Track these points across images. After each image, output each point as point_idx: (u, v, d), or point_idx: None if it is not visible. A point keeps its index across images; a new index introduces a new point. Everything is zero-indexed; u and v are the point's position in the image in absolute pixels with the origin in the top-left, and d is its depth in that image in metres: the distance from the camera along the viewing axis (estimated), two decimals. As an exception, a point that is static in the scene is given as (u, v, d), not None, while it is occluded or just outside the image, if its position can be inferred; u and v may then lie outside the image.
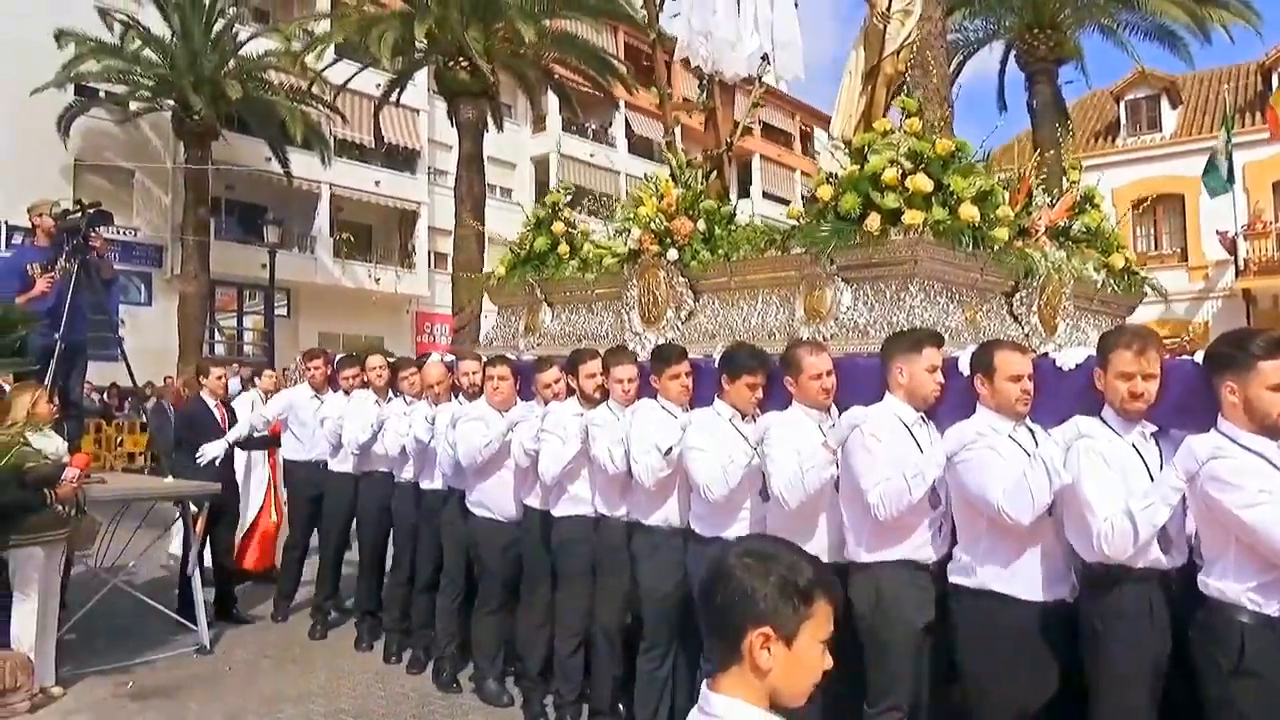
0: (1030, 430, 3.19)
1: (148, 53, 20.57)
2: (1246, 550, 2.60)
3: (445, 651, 5.42)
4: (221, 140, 21.73)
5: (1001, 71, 20.77)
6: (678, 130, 6.73)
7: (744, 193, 35.51)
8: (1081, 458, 2.86)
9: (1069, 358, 3.21)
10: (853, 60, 5.99)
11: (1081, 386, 3.09)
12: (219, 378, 7.02)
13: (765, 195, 35.94)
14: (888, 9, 5.68)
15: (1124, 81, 25.01)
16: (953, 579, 3.20)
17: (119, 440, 16.35)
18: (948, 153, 4.28)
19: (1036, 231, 4.97)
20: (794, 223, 4.72)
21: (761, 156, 37.76)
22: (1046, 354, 3.44)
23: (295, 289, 25.68)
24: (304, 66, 19.62)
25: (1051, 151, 7.18)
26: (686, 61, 6.44)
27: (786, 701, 1.47)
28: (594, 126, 33.47)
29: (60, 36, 19.53)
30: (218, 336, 25.16)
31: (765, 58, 6.36)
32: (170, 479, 6.62)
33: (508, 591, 5.15)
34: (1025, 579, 3.04)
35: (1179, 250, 24.02)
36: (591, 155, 33.21)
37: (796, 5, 6.57)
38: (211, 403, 6.92)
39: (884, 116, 5.34)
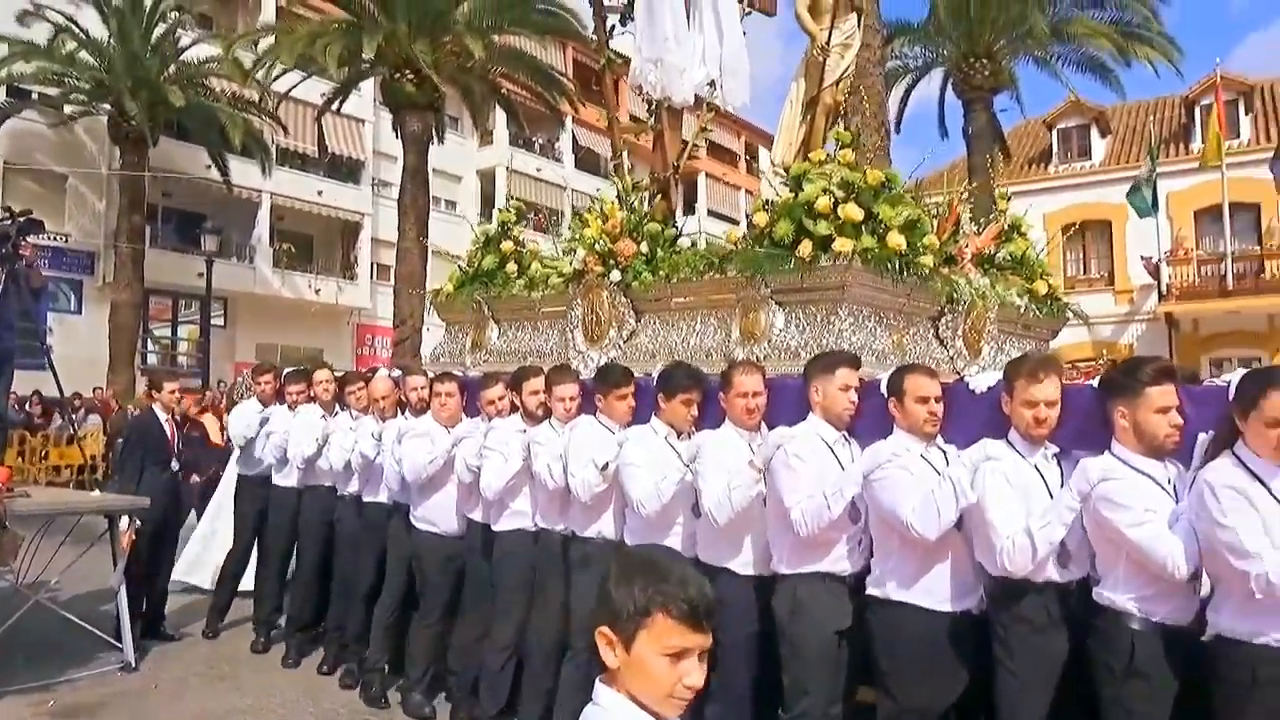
0: (943, 451, 3.38)
1: (84, 55, 20.15)
2: (1135, 565, 2.80)
3: (376, 665, 5.45)
4: (159, 146, 21.34)
5: (941, 99, 21.44)
6: (625, 151, 6.86)
7: (689, 210, 35.82)
8: (987, 479, 3.05)
9: (980, 382, 3.40)
10: (794, 90, 6.20)
11: (993, 409, 3.28)
12: (172, 391, 6.91)
13: (710, 213, 36.29)
14: (827, 43, 5.89)
15: (1056, 110, 25.92)
16: (868, 591, 3.37)
17: (44, 452, 15.88)
18: (878, 183, 4.48)
19: (963, 258, 5.19)
20: (732, 246, 4.88)
21: (707, 175, 38.17)
22: (962, 378, 3.62)
23: (233, 299, 25.27)
24: (246, 75, 19.38)
25: (976, 183, 7.46)
26: (638, 85, 6.57)
27: (651, 707, 1.52)
28: (541, 141, 33.54)
29: (-7, 35, 19.07)
30: (151, 346, 24.61)
31: (713, 83, 6.53)
32: (96, 493, 6.49)
33: (447, 606, 5.19)
34: (933, 591, 3.22)
35: (1106, 274, 24.89)
36: (539, 170, 33.23)
37: (745, 33, 6.77)
38: (163, 417, 6.81)
39: (823, 145, 5.53)
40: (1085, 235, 25.01)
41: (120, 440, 8.19)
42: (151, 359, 24.25)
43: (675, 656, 1.50)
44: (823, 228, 4.28)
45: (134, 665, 5.92)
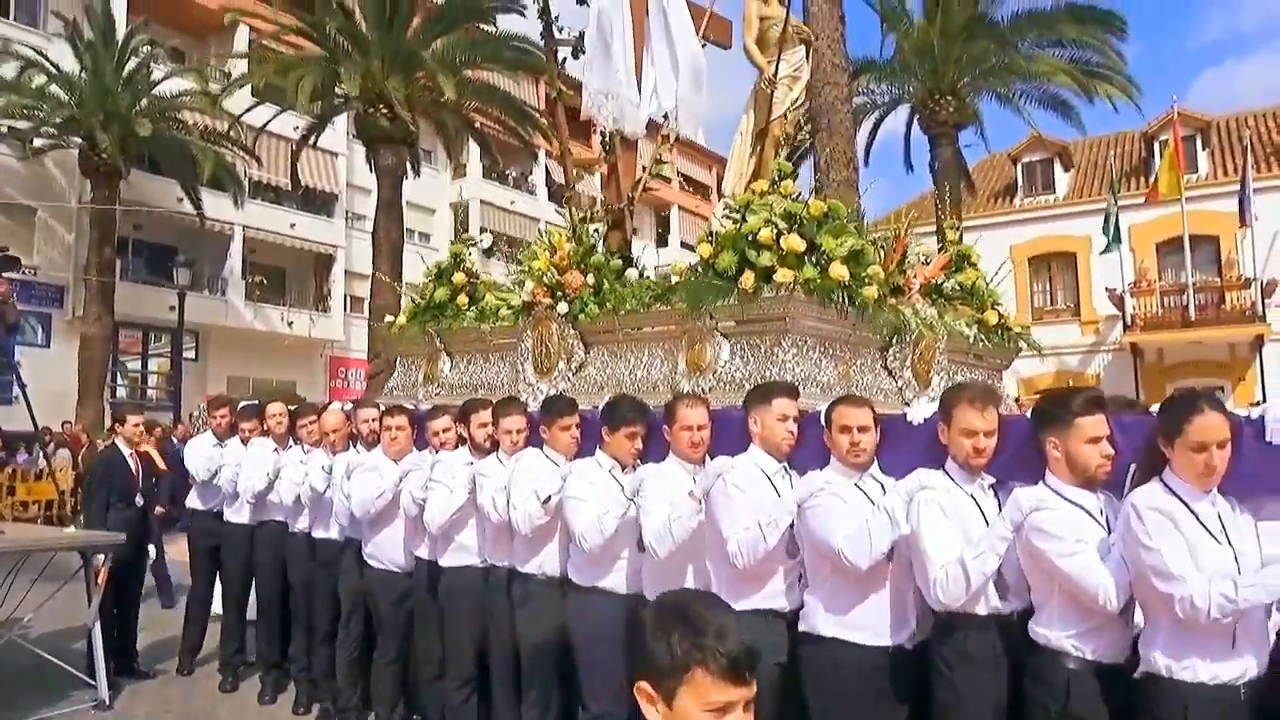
0: (879, 481, 3.35)
1: (54, 89, 20.10)
2: (1069, 598, 2.78)
3: (349, 703, 5.39)
4: (130, 179, 21.27)
5: (907, 134, 21.76)
6: (596, 178, 6.91)
7: (663, 242, 36.10)
8: (921, 509, 3.03)
9: (917, 412, 3.39)
10: (744, 122, 6.28)
11: (930, 439, 3.27)
12: (135, 425, 6.86)
13: (683, 245, 36.53)
14: (774, 75, 5.98)
15: (1020, 145, 26.42)
16: (801, 626, 3.33)
17: (10, 488, 15.62)
18: (821, 214, 4.51)
19: (910, 289, 5.24)
20: (678, 277, 4.91)
21: (680, 207, 38.49)
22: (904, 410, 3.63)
23: (204, 332, 25.08)
24: (219, 108, 19.44)
25: (916, 217, 7.57)
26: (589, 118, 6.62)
27: None
28: (514, 174, 33.73)
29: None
30: (120, 380, 24.34)
31: (667, 115, 6.60)
32: (71, 529, 6.41)
33: (405, 642, 5.14)
34: (865, 625, 3.17)
35: (1072, 305, 25.23)
36: (512, 202, 33.42)
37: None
38: (126, 451, 6.75)
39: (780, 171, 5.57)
40: (1051, 267, 25.45)
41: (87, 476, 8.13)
42: (121, 392, 24.01)
43: (719, 711, 1.46)
44: (765, 259, 4.29)
45: (108, 703, 5.85)
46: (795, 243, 4.29)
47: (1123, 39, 18.92)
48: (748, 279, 4.31)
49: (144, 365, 25.91)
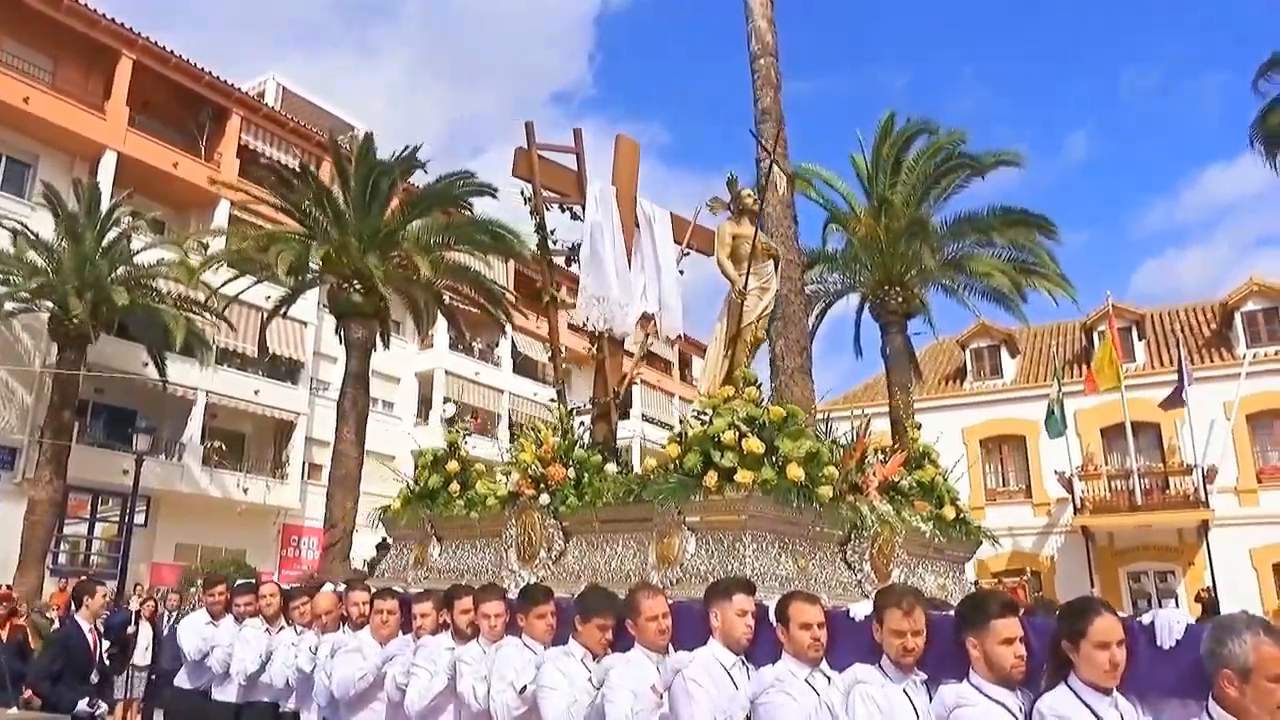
0: (827, 676, 3.61)
1: (31, 255, 20.53)
2: None
3: None
4: (97, 343, 21.46)
5: (858, 321, 22.75)
6: (564, 382, 7.41)
7: (625, 416, 36.72)
8: (857, 704, 3.31)
9: (859, 610, 3.70)
10: (718, 329, 6.87)
11: (870, 634, 3.55)
12: (104, 596, 6.89)
13: (645, 418, 37.16)
14: (745, 287, 6.59)
15: (968, 332, 27.75)
16: None
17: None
18: (780, 418, 4.97)
19: (869, 487, 5.63)
20: (649, 474, 5.29)
21: (643, 382, 39.36)
22: (846, 607, 3.91)
23: (156, 497, 24.70)
24: (191, 274, 19.88)
25: (894, 401, 8.07)
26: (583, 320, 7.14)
27: None
28: (480, 345, 34.50)
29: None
30: (62, 545, 23.64)
31: (650, 316, 7.21)
32: (14, 711, 6.29)
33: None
34: None
35: (1024, 487, 25.85)
36: (477, 374, 34.02)
37: (682, 272, 7.52)
38: (86, 627, 6.75)
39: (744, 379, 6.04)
40: (1002, 449, 26.24)
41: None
42: (62, 559, 23.28)
43: None
44: (728, 459, 4.71)
45: None
46: (755, 445, 4.72)
47: (1054, 240, 20.37)
48: (711, 478, 4.71)
49: (90, 530, 25.23)
